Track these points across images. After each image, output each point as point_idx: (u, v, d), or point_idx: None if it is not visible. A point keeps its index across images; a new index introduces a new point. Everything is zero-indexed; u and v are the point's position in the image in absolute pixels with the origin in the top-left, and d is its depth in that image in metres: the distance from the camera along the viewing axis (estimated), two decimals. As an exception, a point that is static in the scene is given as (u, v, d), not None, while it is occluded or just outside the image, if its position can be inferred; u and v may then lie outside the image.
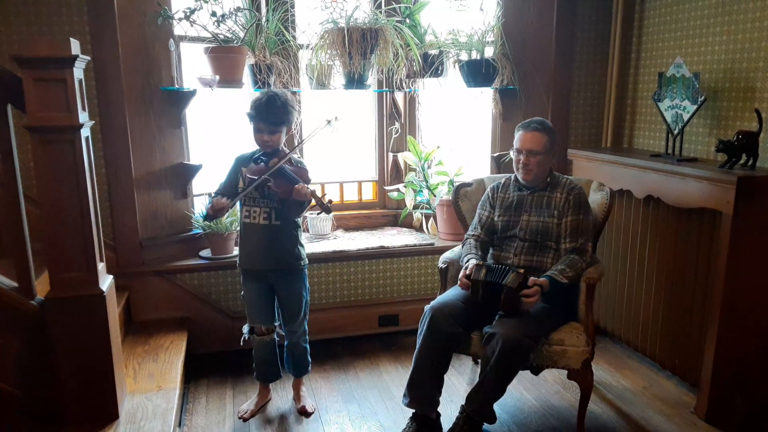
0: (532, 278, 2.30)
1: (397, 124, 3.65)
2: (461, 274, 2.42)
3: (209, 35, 3.03)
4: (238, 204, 2.59)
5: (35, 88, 1.91)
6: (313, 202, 2.42)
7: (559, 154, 3.32)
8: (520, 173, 2.56)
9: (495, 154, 3.64)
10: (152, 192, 3.11)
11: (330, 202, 2.45)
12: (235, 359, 3.07)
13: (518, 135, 2.54)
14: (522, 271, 2.28)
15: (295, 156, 2.60)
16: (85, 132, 2.04)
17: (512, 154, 2.59)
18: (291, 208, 2.44)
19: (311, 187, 2.42)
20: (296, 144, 3.35)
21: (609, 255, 3.24)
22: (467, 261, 2.50)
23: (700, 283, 2.66)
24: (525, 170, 2.53)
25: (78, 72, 1.98)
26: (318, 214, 3.26)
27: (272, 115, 2.39)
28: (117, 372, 2.23)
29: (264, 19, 3.15)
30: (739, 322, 2.48)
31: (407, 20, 3.31)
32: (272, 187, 2.38)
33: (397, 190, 3.67)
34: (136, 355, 2.76)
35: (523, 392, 2.88)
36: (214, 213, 2.43)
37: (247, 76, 3.16)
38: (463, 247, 2.67)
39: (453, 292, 2.50)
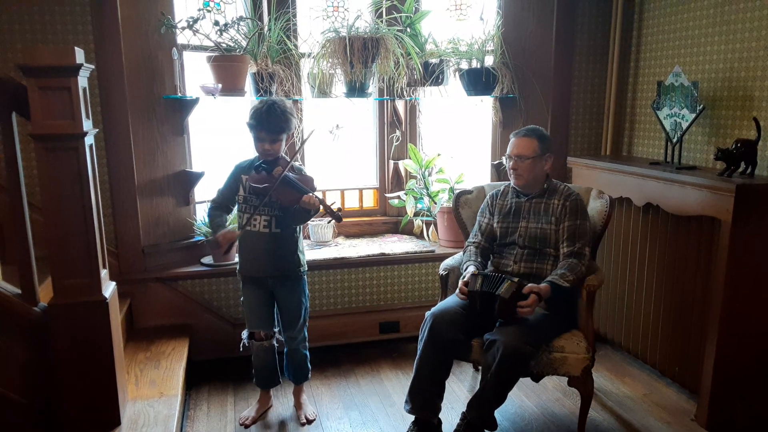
0: (530, 285, 2.31)
1: (397, 132, 3.67)
2: (460, 283, 2.43)
3: (212, 44, 3.06)
4: (235, 210, 2.60)
5: (40, 96, 1.93)
6: (322, 210, 2.43)
7: (559, 162, 3.34)
8: (512, 179, 2.59)
9: (495, 162, 3.66)
10: (155, 199, 3.13)
11: (339, 209, 2.46)
12: (237, 366, 3.07)
13: (510, 142, 2.59)
14: (516, 280, 2.29)
15: (296, 164, 2.61)
16: (88, 140, 2.06)
17: (504, 161, 2.62)
18: (296, 216, 2.46)
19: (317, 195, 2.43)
20: (299, 156, 3.38)
21: (609, 262, 3.25)
22: (466, 268, 2.52)
23: (700, 291, 2.66)
24: (515, 175, 2.56)
25: (82, 80, 2.00)
26: (328, 222, 3.27)
27: (273, 123, 2.40)
28: (119, 378, 2.24)
29: (266, 28, 3.18)
30: (739, 330, 2.49)
31: (408, 29, 3.34)
32: (276, 195, 2.39)
33: (398, 197, 3.68)
34: (137, 361, 2.76)
35: (524, 399, 2.88)
36: (229, 245, 2.43)
37: (249, 85, 3.18)
38: (464, 254, 2.69)
39: (454, 299, 2.51)
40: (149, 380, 2.59)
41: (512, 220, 2.60)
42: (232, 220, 3.11)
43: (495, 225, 2.64)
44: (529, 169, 2.52)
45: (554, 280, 2.35)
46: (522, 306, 2.25)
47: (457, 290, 2.43)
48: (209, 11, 3.04)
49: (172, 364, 2.74)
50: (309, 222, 3.21)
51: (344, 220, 3.66)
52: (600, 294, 3.24)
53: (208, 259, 3.22)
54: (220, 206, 2.56)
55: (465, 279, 2.40)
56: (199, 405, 2.83)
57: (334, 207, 2.45)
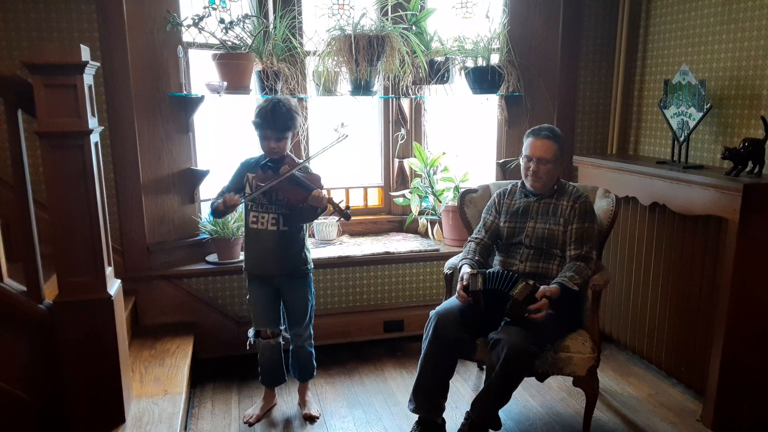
0: (542, 287, 2.28)
1: (402, 131, 3.67)
2: (458, 287, 2.39)
3: (217, 42, 3.06)
4: (243, 209, 2.60)
5: (45, 93, 1.93)
6: (329, 208, 2.43)
7: (565, 161, 3.32)
8: (529, 180, 2.55)
9: (500, 161, 3.64)
10: (160, 197, 3.13)
11: (347, 207, 2.45)
12: (241, 364, 3.08)
13: (528, 142, 2.53)
14: (532, 282, 2.26)
15: (301, 162, 2.61)
16: (94, 137, 2.06)
17: (521, 161, 2.58)
18: (303, 214, 2.45)
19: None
20: (304, 153, 3.37)
21: (615, 262, 3.23)
22: (460, 267, 2.51)
23: (706, 291, 2.65)
24: (534, 177, 2.52)
25: (88, 78, 2.00)
26: (337, 220, 3.27)
27: (278, 122, 2.40)
28: (124, 376, 2.24)
29: (271, 26, 3.18)
30: (745, 330, 2.47)
31: (413, 27, 3.33)
32: (284, 194, 2.38)
33: (403, 195, 3.68)
34: (142, 359, 2.77)
35: (529, 399, 2.87)
36: (225, 209, 2.44)
37: (254, 83, 3.18)
38: (463, 249, 2.68)
39: (458, 298, 2.51)
40: (154, 378, 2.60)
41: (520, 220, 2.59)
42: (238, 218, 3.12)
43: (502, 224, 2.63)
44: (549, 173, 2.50)
45: (564, 282, 2.33)
46: (536, 309, 2.23)
47: (456, 293, 2.40)
48: (215, 9, 3.03)
49: (177, 362, 2.74)
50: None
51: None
52: (605, 293, 3.22)
53: (213, 257, 3.23)
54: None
55: (464, 281, 2.36)
56: (203, 403, 2.84)
57: (342, 205, 2.45)
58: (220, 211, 2.47)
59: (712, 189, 2.48)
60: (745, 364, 2.50)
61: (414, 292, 3.43)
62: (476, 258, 2.57)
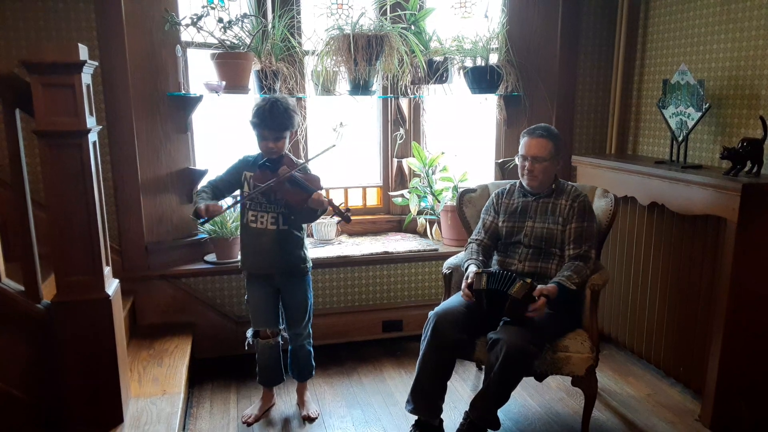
0: (540, 287, 2.29)
1: (401, 130, 3.66)
2: (463, 284, 2.42)
3: (216, 41, 3.05)
4: (240, 207, 2.60)
5: (43, 93, 1.92)
6: (329, 209, 2.42)
7: (564, 161, 3.33)
8: (525, 179, 2.56)
9: (499, 161, 3.64)
10: (158, 196, 3.13)
11: (348, 210, 2.44)
12: (239, 364, 3.07)
13: (523, 141, 2.54)
14: (529, 281, 2.26)
15: (301, 161, 2.61)
16: (92, 137, 2.05)
17: (517, 161, 2.59)
18: (303, 215, 2.45)
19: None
20: (303, 153, 3.37)
21: (613, 261, 3.23)
22: (467, 267, 2.51)
23: (705, 290, 2.65)
24: (530, 176, 2.53)
25: (86, 77, 2.00)
26: (337, 222, 3.25)
27: (276, 121, 2.40)
28: (122, 376, 2.23)
29: (270, 26, 3.18)
30: (744, 329, 2.47)
31: (412, 27, 3.33)
32: (284, 195, 2.37)
33: (402, 195, 3.68)
34: (140, 359, 2.76)
35: (527, 399, 2.87)
36: (209, 217, 2.38)
37: (253, 82, 3.18)
38: (465, 251, 2.68)
39: (457, 298, 2.50)
40: (152, 378, 2.59)
41: (518, 219, 2.59)
42: (235, 218, 3.11)
43: (500, 224, 2.63)
44: (545, 171, 2.50)
45: (562, 282, 2.33)
46: (534, 308, 2.24)
47: (461, 291, 2.41)
48: (213, 8, 3.03)
49: (175, 362, 2.74)
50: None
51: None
52: (604, 293, 3.23)
53: (211, 257, 3.22)
54: (212, 188, 2.50)
55: (469, 279, 2.39)
56: (201, 403, 2.83)
57: (343, 207, 2.43)
58: (204, 219, 2.39)
59: (710, 189, 2.48)
60: (743, 364, 2.50)
61: (413, 291, 3.43)
62: (480, 258, 2.57)
